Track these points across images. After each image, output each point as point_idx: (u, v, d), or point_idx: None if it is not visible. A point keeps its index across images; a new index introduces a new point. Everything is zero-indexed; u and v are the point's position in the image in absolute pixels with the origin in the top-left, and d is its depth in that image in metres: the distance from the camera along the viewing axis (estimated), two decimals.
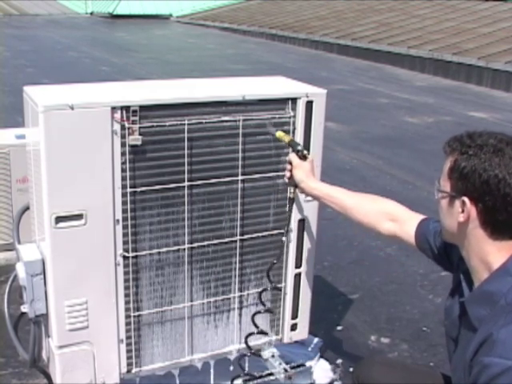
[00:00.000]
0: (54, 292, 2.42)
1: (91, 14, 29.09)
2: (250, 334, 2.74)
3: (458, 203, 1.77)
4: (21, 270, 2.48)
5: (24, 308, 2.53)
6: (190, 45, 18.98)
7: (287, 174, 2.56)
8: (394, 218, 2.30)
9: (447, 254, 2.12)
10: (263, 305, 2.73)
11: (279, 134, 2.62)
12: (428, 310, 4.02)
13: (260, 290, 2.76)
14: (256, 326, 2.70)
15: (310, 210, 2.85)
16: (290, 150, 2.60)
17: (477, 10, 17.86)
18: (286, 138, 2.59)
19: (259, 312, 2.74)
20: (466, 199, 1.75)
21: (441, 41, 15.18)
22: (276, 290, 2.80)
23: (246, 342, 2.76)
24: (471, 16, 17.27)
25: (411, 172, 6.83)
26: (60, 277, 2.41)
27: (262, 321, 2.87)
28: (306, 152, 2.53)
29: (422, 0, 20.04)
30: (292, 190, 2.58)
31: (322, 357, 3.38)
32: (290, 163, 2.53)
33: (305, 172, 2.49)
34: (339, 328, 3.78)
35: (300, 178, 2.50)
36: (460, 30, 16.02)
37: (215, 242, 2.68)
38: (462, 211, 1.76)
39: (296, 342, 3.10)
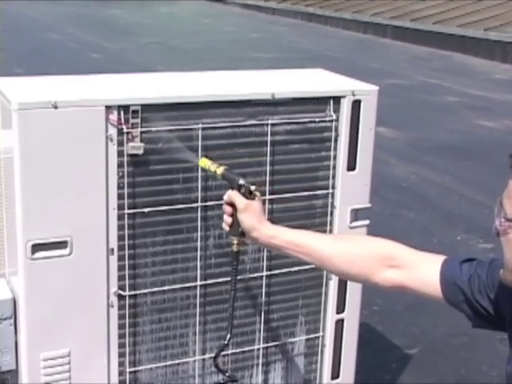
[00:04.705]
0: (28, 341, 2.43)
1: None
2: None
3: None
4: None
5: None
6: (203, 26, 19.11)
7: (227, 220, 2.26)
8: (397, 264, 2.14)
9: (493, 304, 1.99)
10: None
11: (204, 162, 2.38)
12: None
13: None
14: None
15: None
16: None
17: None
18: (218, 169, 2.31)
19: None
20: None
21: None
22: (233, 381, 2.63)
23: None
24: None
25: (486, 191, 6.76)
26: (36, 322, 2.42)
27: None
28: (252, 187, 2.22)
29: None
30: (236, 242, 2.27)
31: None
32: (231, 205, 2.23)
33: (255, 216, 2.21)
34: None
35: (250, 225, 2.20)
36: None
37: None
38: None
39: None
